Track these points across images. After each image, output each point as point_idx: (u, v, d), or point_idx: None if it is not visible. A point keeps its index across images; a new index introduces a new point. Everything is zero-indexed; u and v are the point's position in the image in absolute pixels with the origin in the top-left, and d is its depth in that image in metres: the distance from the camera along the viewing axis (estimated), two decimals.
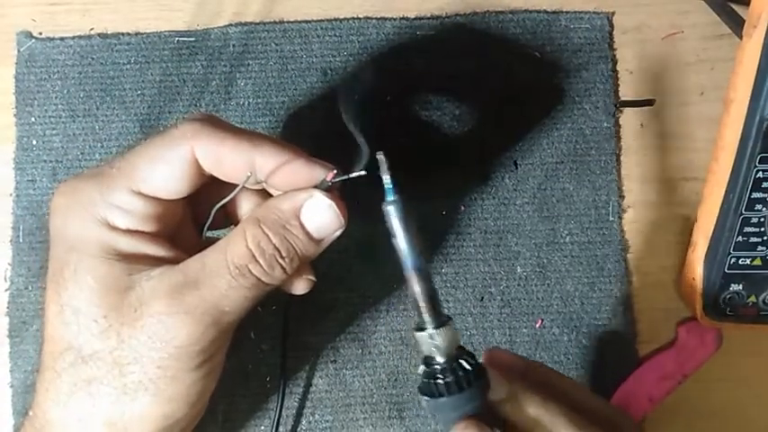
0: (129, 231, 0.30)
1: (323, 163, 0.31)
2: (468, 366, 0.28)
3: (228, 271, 0.29)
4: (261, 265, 0.30)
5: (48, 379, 0.30)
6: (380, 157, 0.29)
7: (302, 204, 0.30)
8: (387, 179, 0.29)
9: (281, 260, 0.30)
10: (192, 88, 0.42)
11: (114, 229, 0.30)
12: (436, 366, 0.28)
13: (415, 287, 0.28)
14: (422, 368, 0.29)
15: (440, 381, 0.27)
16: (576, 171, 0.42)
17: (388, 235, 0.29)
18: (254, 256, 0.30)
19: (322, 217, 0.31)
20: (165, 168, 0.30)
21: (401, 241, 0.28)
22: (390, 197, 0.29)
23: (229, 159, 0.30)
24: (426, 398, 0.28)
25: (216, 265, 0.30)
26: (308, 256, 0.31)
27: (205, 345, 0.30)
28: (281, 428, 0.40)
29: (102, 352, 0.29)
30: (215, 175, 0.31)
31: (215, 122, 0.31)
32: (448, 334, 0.28)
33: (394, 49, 0.42)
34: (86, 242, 0.30)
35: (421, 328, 0.28)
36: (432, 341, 0.28)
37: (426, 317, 0.28)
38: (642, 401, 0.40)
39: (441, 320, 0.28)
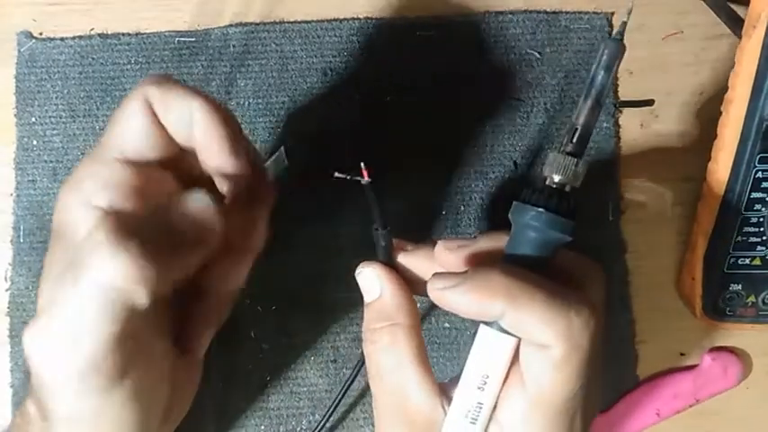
0: (109, 214, 0.28)
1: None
2: (570, 206, 0.27)
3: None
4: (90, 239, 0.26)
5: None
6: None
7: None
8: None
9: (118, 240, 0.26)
10: None
11: (95, 209, 0.28)
12: (552, 185, 0.28)
13: (584, 113, 0.28)
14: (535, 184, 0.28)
15: (548, 195, 0.27)
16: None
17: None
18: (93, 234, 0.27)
19: (202, 207, 0.28)
20: (132, 122, 0.29)
21: (599, 72, 0.28)
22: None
23: (175, 107, 0.29)
24: (520, 204, 0.27)
25: None
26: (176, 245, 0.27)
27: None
28: (281, 428, 0.40)
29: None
30: (167, 127, 0.29)
31: (169, 77, 0.30)
32: (578, 166, 0.28)
33: (394, 49, 0.42)
34: (66, 226, 0.28)
35: (567, 152, 0.28)
36: (564, 164, 0.27)
37: (575, 143, 0.28)
38: (649, 413, 0.40)
39: (577, 155, 0.28)
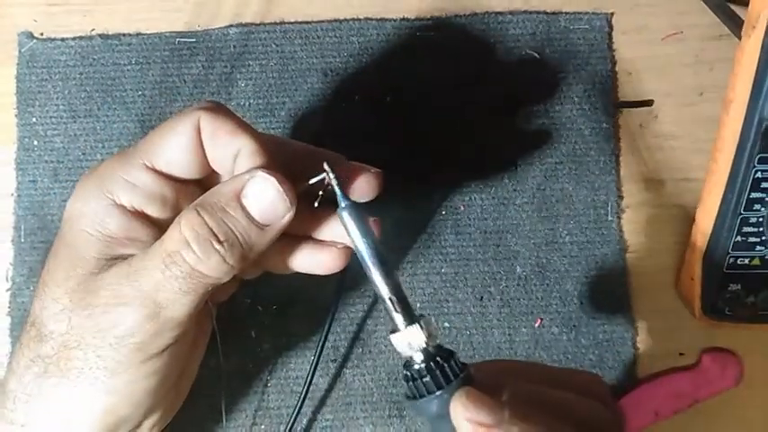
0: (129, 212, 0.29)
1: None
2: (447, 361, 0.26)
3: (162, 259, 0.28)
4: (194, 251, 0.27)
5: (16, 350, 0.30)
6: (326, 167, 0.29)
7: (243, 185, 0.28)
8: (335, 186, 0.29)
9: (218, 246, 0.27)
10: (192, 89, 0.42)
11: (116, 206, 0.29)
12: (415, 367, 0.27)
13: (381, 289, 0.28)
14: (404, 373, 0.27)
15: (419, 380, 0.26)
16: (575, 171, 0.42)
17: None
18: (187, 241, 0.27)
19: (265, 198, 0.28)
20: (176, 139, 0.29)
21: (358, 244, 0.28)
22: (343, 203, 0.29)
23: (223, 140, 0.29)
24: (409, 402, 0.27)
25: (153, 253, 0.28)
26: (254, 243, 0.28)
27: (144, 339, 0.28)
28: (281, 428, 0.40)
29: (55, 333, 0.29)
30: (209, 155, 0.30)
31: (224, 108, 0.30)
32: (421, 331, 0.27)
33: (394, 49, 0.43)
34: (83, 215, 0.29)
35: (394, 331, 0.27)
36: (405, 341, 0.27)
37: (397, 317, 0.27)
38: (648, 413, 0.40)
39: (412, 319, 0.27)
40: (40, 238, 0.41)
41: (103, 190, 0.29)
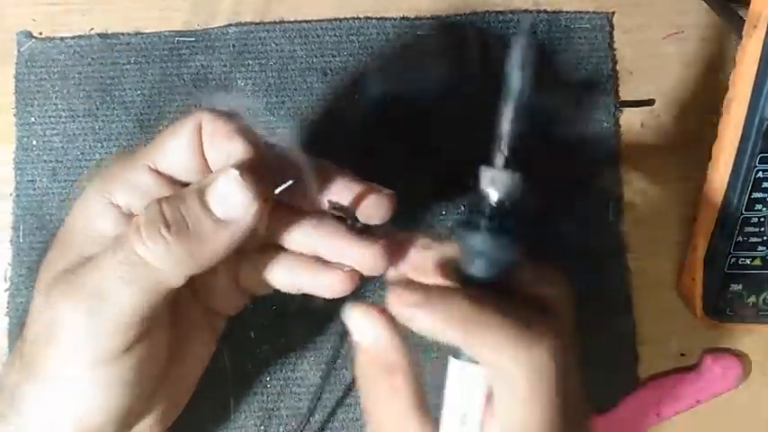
0: (124, 213, 0.29)
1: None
2: (509, 218, 0.26)
3: (112, 246, 0.26)
4: (140, 235, 0.26)
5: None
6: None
7: (211, 182, 0.27)
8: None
9: (164, 232, 0.26)
10: (191, 88, 0.42)
11: (112, 206, 0.29)
12: (486, 203, 0.26)
13: (505, 123, 0.27)
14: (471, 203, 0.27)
15: (482, 216, 0.26)
16: (575, 171, 0.42)
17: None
18: (137, 225, 0.26)
19: (225, 191, 0.27)
20: (177, 141, 0.29)
21: (513, 72, 0.26)
22: None
23: (219, 142, 0.28)
24: (460, 227, 0.26)
25: (110, 244, 0.27)
26: (206, 236, 0.26)
27: (89, 340, 0.27)
28: (280, 428, 0.40)
29: (28, 329, 0.29)
30: (208, 157, 0.29)
31: (223, 115, 0.30)
32: (513, 179, 0.26)
33: (394, 48, 0.42)
34: (79, 213, 0.29)
35: (498, 166, 0.27)
36: (494, 177, 0.26)
37: (499, 155, 0.26)
38: (650, 414, 0.40)
39: (509, 165, 0.26)
40: (38, 239, 0.41)
41: (103, 190, 0.29)
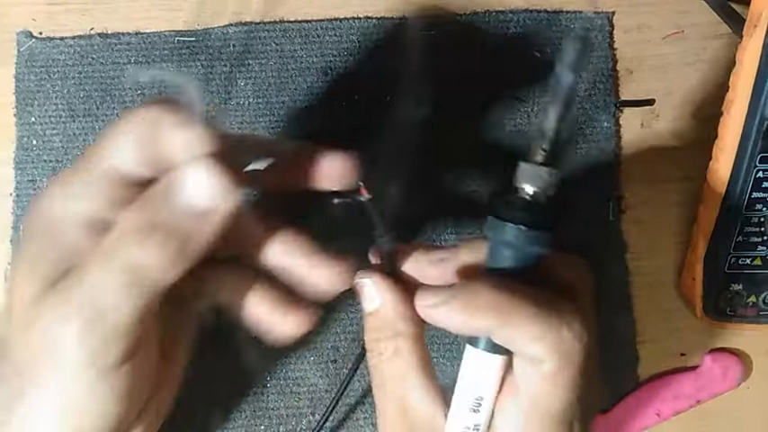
0: (93, 222, 0.27)
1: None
2: (546, 212, 0.27)
3: (101, 256, 0.26)
4: (132, 241, 0.25)
5: None
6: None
7: (181, 175, 0.26)
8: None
9: (156, 234, 0.25)
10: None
11: (79, 216, 0.27)
12: (522, 195, 0.27)
13: (550, 121, 0.26)
14: (506, 196, 0.27)
15: (517, 207, 0.26)
16: (575, 171, 0.42)
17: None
18: (124, 232, 0.26)
19: (201, 180, 0.26)
20: (124, 137, 0.27)
21: (564, 71, 0.26)
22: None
23: (172, 131, 0.27)
24: (493, 219, 0.27)
25: (93, 254, 0.26)
26: (195, 230, 0.26)
27: (90, 353, 0.26)
28: (281, 428, 0.40)
29: (24, 334, 0.27)
30: (162, 149, 0.28)
31: (177, 100, 0.28)
32: (552, 177, 0.27)
33: (394, 49, 0.42)
34: (45, 226, 0.28)
35: (527, 160, 0.27)
36: (533, 173, 0.26)
37: (540, 151, 0.26)
38: (649, 414, 0.40)
39: (550, 162, 0.27)
40: None
41: (65, 200, 0.27)
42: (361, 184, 0.29)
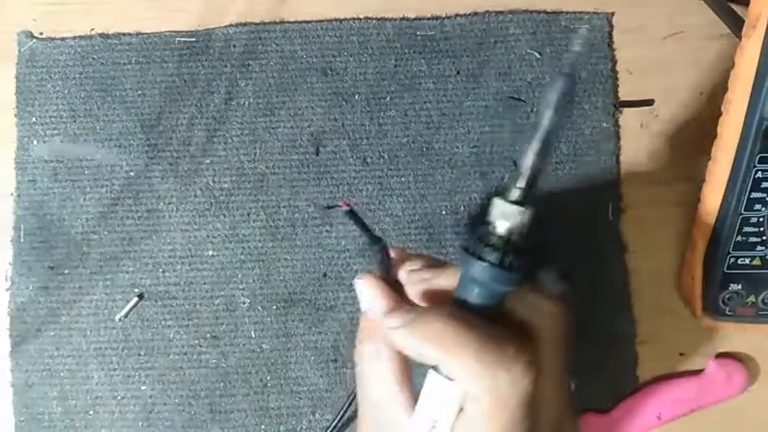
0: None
1: None
2: (518, 254, 0.26)
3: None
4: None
5: None
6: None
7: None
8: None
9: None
10: (192, 88, 0.42)
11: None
12: (493, 235, 0.26)
13: (526, 160, 0.26)
14: (479, 231, 0.27)
15: (486, 245, 0.26)
16: (575, 171, 0.42)
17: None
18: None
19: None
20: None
21: (544, 116, 0.25)
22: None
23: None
24: (465, 254, 0.27)
25: None
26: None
27: None
28: (281, 428, 0.40)
29: None
30: None
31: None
32: (522, 216, 0.26)
33: (394, 49, 0.43)
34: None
35: (500, 195, 0.26)
36: (504, 210, 0.26)
37: (515, 190, 0.26)
38: (650, 416, 0.40)
39: (523, 203, 0.26)
40: (39, 238, 0.41)
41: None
42: (342, 199, 0.29)
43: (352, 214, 0.29)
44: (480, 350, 0.25)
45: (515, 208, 0.26)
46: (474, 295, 0.27)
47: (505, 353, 0.25)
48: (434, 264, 0.31)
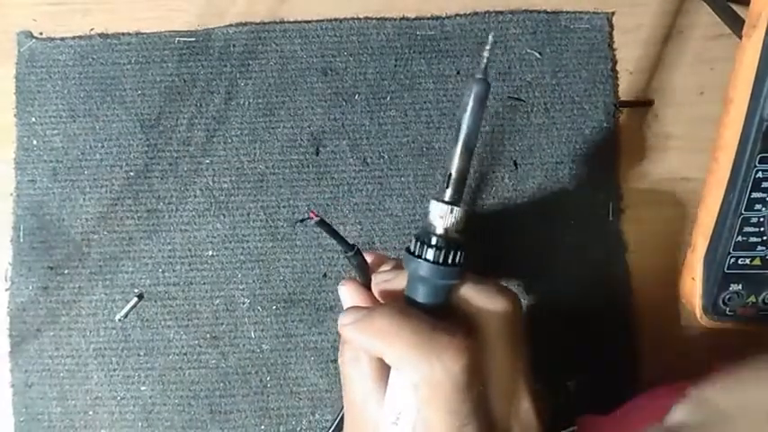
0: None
1: None
2: (456, 249, 0.28)
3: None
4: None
5: None
6: None
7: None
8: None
9: None
10: (192, 88, 0.42)
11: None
12: (432, 235, 0.28)
13: (453, 163, 0.28)
14: (417, 233, 0.29)
15: (427, 245, 0.28)
16: (575, 171, 0.42)
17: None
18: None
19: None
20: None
21: (465, 119, 0.28)
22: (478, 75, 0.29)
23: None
24: (408, 255, 0.29)
25: None
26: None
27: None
28: (281, 428, 0.40)
29: None
30: None
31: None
32: (454, 215, 0.28)
33: (394, 49, 0.42)
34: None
35: (438, 199, 0.28)
36: (440, 211, 0.28)
37: (448, 191, 0.28)
38: (651, 420, 0.40)
39: (456, 201, 0.28)
40: (39, 238, 0.41)
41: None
42: (311, 210, 0.30)
43: (323, 224, 0.31)
44: (417, 342, 0.27)
45: (448, 207, 0.28)
46: (420, 292, 0.29)
47: (439, 341, 0.27)
48: (400, 265, 0.33)
